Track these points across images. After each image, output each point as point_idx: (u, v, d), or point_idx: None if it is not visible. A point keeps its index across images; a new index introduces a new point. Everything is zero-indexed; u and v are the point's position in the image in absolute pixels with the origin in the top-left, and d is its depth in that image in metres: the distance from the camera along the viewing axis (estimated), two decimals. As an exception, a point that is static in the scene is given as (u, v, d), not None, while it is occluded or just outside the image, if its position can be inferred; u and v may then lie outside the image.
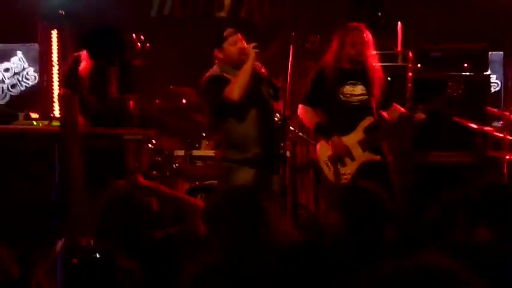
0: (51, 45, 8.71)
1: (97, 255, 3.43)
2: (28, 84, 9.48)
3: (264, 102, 6.12)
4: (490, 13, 8.71)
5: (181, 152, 7.68)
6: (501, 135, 7.18)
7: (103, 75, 6.51)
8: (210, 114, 6.24)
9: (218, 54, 6.06)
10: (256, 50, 5.92)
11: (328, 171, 6.44)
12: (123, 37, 6.74)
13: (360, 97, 6.49)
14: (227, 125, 6.03)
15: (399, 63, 7.78)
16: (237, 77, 5.91)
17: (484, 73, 7.74)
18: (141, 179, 5.71)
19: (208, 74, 6.09)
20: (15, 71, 9.47)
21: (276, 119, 6.30)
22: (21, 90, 9.48)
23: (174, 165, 7.60)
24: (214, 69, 6.09)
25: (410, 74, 7.70)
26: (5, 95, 9.49)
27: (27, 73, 9.47)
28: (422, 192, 7.15)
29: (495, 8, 8.72)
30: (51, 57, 8.75)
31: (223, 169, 6.09)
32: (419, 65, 7.74)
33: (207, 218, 3.69)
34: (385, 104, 6.58)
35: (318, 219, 6.74)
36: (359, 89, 6.49)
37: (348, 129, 6.45)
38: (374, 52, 6.60)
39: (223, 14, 9.36)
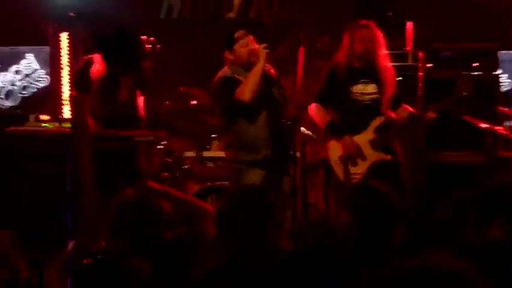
0: (62, 48, 8.73)
1: (107, 257, 3.44)
2: (39, 86, 9.51)
3: (274, 103, 6.12)
4: (500, 12, 8.69)
5: (191, 153, 7.68)
6: (512, 134, 7.16)
7: (116, 79, 6.51)
8: (221, 115, 6.24)
9: (229, 55, 6.07)
10: (267, 51, 5.93)
11: (339, 171, 6.44)
12: (138, 41, 6.74)
13: (372, 96, 6.48)
14: (237, 126, 6.03)
15: (410, 63, 7.76)
16: (248, 78, 5.91)
17: (494, 72, 7.72)
18: (151, 183, 5.74)
19: (219, 75, 6.10)
20: (26, 73, 9.50)
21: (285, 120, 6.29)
22: (32, 92, 9.51)
23: (185, 167, 7.60)
24: (225, 71, 6.10)
25: (421, 73, 7.68)
26: (16, 97, 9.53)
27: (38, 75, 9.50)
28: (432, 192, 7.14)
29: (505, 8, 8.70)
30: (62, 59, 8.77)
31: (233, 170, 6.10)
32: (429, 65, 7.73)
33: (218, 219, 3.69)
34: (395, 104, 6.56)
35: (328, 218, 6.74)
36: (371, 88, 6.48)
37: (360, 129, 6.45)
38: (385, 51, 6.59)
39: (232, 15, 9.36)
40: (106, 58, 6.50)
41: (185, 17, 9.42)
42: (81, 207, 5.21)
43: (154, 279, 3.40)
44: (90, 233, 4.85)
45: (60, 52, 8.65)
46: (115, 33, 6.49)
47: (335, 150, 6.47)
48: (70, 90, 8.52)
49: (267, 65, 6.04)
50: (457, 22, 8.84)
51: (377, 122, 6.44)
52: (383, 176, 5.86)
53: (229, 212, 3.66)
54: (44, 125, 6.28)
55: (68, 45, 8.61)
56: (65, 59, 8.65)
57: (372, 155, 6.40)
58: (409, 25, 8.01)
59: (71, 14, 8.60)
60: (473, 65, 7.58)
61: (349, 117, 6.44)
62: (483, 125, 7.13)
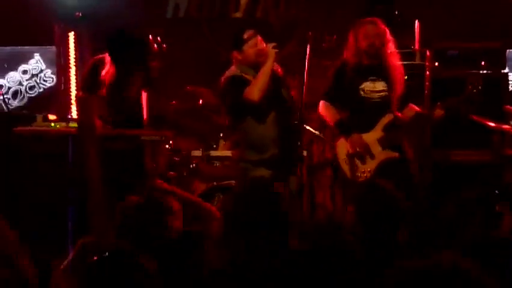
0: (69, 47, 8.74)
1: (114, 255, 3.44)
2: (46, 86, 9.53)
3: (282, 102, 6.13)
4: (508, 11, 8.67)
5: (198, 153, 7.68)
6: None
7: (125, 81, 6.50)
8: (228, 114, 6.24)
9: (237, 55, 6.07)
10: (276, 50, 5.94)
11: (347, 169, 6.43)
12: (146, 42, 6.73)
13: (381, 94, 6.47)
14: (245, 125, 6.04)
15: (417, 62, 7.76)
16: (257, 78, 5.92)
17: (502, 71, 7.71)
18: (159, 181, 5.75)
19: (226, 74, 6.10)
20: (33, 73, 9.52)
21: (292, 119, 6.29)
22: (39, 92, 9.53)
23: (191, 166, 7.61)
24: (233, 70, 6.10)
25: (428, 72, 7.67)
26: (23, 97, 9.55)
27: (44, 75, 9.51)
28: (439, 190, 7.13)
29: (509, 5, 8.69)
30: (69, 59, 8.78)
31: (240, 169, 6.11)
32: (436, 64, 7.72)
33: (227, 215, 3.68)
34: (402, 103, 6.55)
35: (335, 217, 6.75)
36: (380, 86, 6.47)
37: (368, 127, 6.44)
38: (394, 48, 6.57)
39: (239, 14, 9.36)
40: (114, 60, 6.49)
41: (192, 17, 9.42)
42: (89, 206, 5.20)
43: (160, 277, 3.40)
44: (97, 232, 4.85)
45: (67, 52, 8.67)
46: (122, 34, 6.48)
47: (343, 148, 6.46)
48: (76, 90, 8.53)
49: (275, 64, 6.04)
50: (463, 21, 8.83)
51: (386, 120, 6.43)
52: (391, 174, 5.85)
53: (238, 205, 3.65)
54: (51, 125, 6.28)
55: (75, 45, 8.63)
56: (72, 59, 8.67)
57: (381, 153, 6.40)
58: (417, 24, 8.00)
59: (78, 14, 8.62)
60: (482, 63, 7.57)
61: (358, 115, 6.44)
62: (490, 124, 7.11)
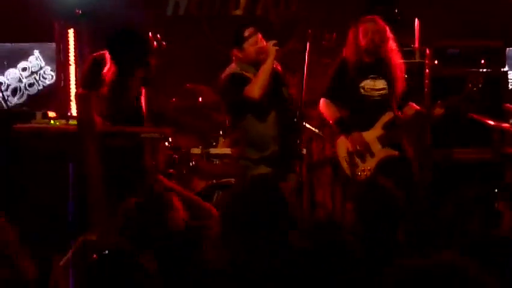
0: (68, 44, 8.73)
1: (114, 254, 3.45)
2: (45, 83, 9.52)
3: (282, 100, 6.13)
4: (508, 10, 8.67)
5: (197, 150, 7.68)
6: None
7: (126, 81, 6.49)
8: (228, 112, 6.24)
9: (237, 53, 6.07)
10: (277, 48, 5.93)
11: (347, 167, 6.43)
12: (147, 41, 6.72)
13: (381, 92, 6.46)
14: (245, 123, 6.04)
15: (417, 60, 7.76)
16: (258, 75, 5.92)
17: (501, 69, 7.71)
18: (160, 178, 5.75)
19: (227, 72, 6.10)
20: (33, 70, 9.51)
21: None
22: (39, 89, 9.53)
23: (191, 163, 7.60)
24: (233, 67, 6.09)
25: (428, 70, 7.67)
26: (23, 94, 9.54)
27: (44, 72, 9.51)
28: (439, 189, 7.13)
29: (508, 5, 8.69)
30: (68, 56, 8.77)
31: (240, 167, 6.11)
32: (436, 62, 7.72)
33: (228, 214, 3.67)
34: (403, 101, 6.54)
35: (335, 216, 6.75)
36: (381, 84, 6.47)
37: (368, 125, 6.43)
38: (395, 46, 6.56)
39: (239, 12, 9.36)
40: (115, 60, 6.47)
41: (192, 14, 9.42)
42: (89, 204, 5.20)
43: (160, 277, 3.40)
44: (98, 230, 4.85)
45: (67, 49, 8.66)
46: (122, 34, 6.46)
47: (343, 146, 6.46)
48: (76, 87, 8.52)
49: (275, 62, 6.04)
50: (463, 19, 8.82)
51: (386, 118, 6.43)
52: (391, 173, 5.85)
53: (240, 204, 3.65)
54: (51, 122, 6.28)
55: (74, 42, 8.62)
56: (72, 56, 8.66)
57: (381, 152, 6.40)
58: (417, 22, 8.00)
59: (78, 10, 8.61)
60: (481, 62, 7.57)
61: (358, 113, 6.44)
62: (490, 122, 7.12)
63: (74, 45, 8.66)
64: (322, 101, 6.59)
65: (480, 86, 6.35)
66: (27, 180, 6.04)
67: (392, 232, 3.70)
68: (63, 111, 7.64)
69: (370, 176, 6.26)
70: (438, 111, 6.38)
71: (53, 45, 9.15)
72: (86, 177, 5.45)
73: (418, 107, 6.54)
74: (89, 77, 6.54)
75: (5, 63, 9.52)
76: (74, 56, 8.68)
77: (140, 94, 6.47)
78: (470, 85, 6.37)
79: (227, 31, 6.35)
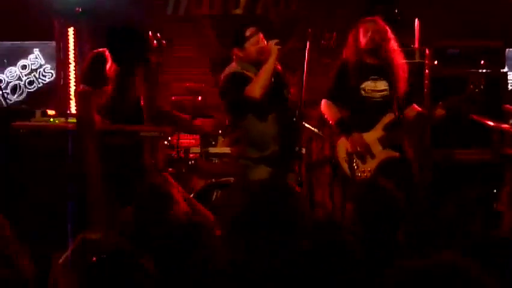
0: (68, 43, 8.73)
1: (114, 256, 3.44)
2: (45, 81, 9.52)
3: (283, 100, 6.13)
4: (508, 10, 8.68)
5: (197, 149, 7.69)
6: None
7: (127, 81, 6.48)
8: (229, 111, 6.22)
9: (238, 52, 6.06)
10: (279, 47, 5.93)
11: (347, 168, 6.42)
12: (146, 39, 6.71)
13: (382, 93, 6.45)
14: (246, 122, 6.03)
15: (417, 60, 7.75)
16: (259, 75, 5.91)
17: (501, 70, 7.71)
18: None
19: (227, 71, 6.09)
20: (32, 68, 9.51)
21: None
22: (38, 87, 9.53)
23: (190, 162, 7.61)
24: (234, 67, 6.08)
25: (427, 70, 7.67)
26: (22, 92, 9.54)
27: (44, 70, 9.51)
28: (439, 190, 7.14)
29: (508, 5, 8.69)
30: (68, 54, 8.77)
31: (240, 166, 6.10)
32: (435, 62, 7.71)
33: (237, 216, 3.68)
34: (405, 102, 6.52)
35: (334, 216, 6.75)
36: (382, 85, 6.45)
37: (369, 126, 6.42)
38: (397, 47, 6.55)
39: (239, 11, 9.36)
40: (114, 57, 6.46)
41: (192, 13, 9.42)
42: (88, 202, 5.20)
43: (160, 277, 3.40)
44: (97, 228, 4.85)
45: (67, 47, 8.66)
46: (121, 32, 6.45)
47: (343, 147, 6.45)
48: (75, 85, 8.52)
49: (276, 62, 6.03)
50: (463, 20, 8.83)
51: (387, 119, 6.41)
52: (392, 174, 5.84)
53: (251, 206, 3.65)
54: (51, 120, 6.28)
55: (74, 40, 8.62)
56: (71, 54, 8.66)
57: (381, 153, 6.38)
58: (417, 22, 8.00)
59: (78, 9, 8.61)
60: (480, 62, 7.57)
61: (359, 114, 6.42)
62: (490, 123, 7.11)
63: (74, 43, 8.66)
64: (323, 101, 6.58)
65: (482, 87, 6.34)
66: (27, 178, 6.04)
67: (392, 233, 3.70)
68: (62, 110, 7.63)
69: (370, 177, 6.24)
70: (440, 112, 6.36)
71: (53, 43, 9.15)
72: (86, 175, 5.45)
73: (420, 109, 6.51)
74: (89, 74, 6.53)
75: (5, 61, 9.52)
76: (74, 54, 8.68)
77: (140, 93, 6.47)
78: (471, 86, 6.36)
79: (233, 31, 6.32)
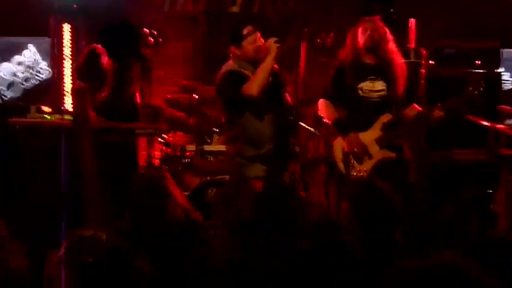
0: (64, 39, 8.70)
1: (109, 250, 3.43)
2: (40, 77, 9.49)
3: (280, 99, 6.13)
4: (504, 10, 8.69)
5: (192, 147, 7.67)
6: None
7: (124, 78, 6.48)
8: (225, 109, 6.22)
9: (235, 50, 6.05)
10: (278, 45, 5.93)
11: (343, 168, 6.42)
12: (141, 34, 6.70)
13: (380, 93, 6.44)
14: (243, 120, 6.02)
15: (412, 60, 7.75)
16: (257, 73, 5.91)
17: (497, 70, 7.72)
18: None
19: (224, 69, 6.08)
20: (28, 65, 9.48)
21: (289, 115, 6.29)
22: (34, 84, 9.49)
23: (185, 160, 7.60)
24: (231, 65, 6.08)
25: (424, 71, 7.67)
26: (17, 88, 9.51)
27: (39, 67, 9.48)
28: (436, 191, 7.14)
29: (507, 5, 8.70)
30: (63, 50, 8.74)
31: (236, 164, 6.10)
32: (431, 62, 7.71)
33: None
34: (405, 102, 6.51)
35: (329, 215, 6.75)
36: (379, 85, 6.44)
37: (366, 126, 6.41)
38: (395, 47, 6.55)
39: (235, 9, 9.35)
40: (109, 53, 6.45)
41: (188, 10, 9.40)
42: (83, 199, 5.20)
43: (156, 275, 3.39)
44: (91, 225, 4.84)
45: (62, 44, 8.63)
46: (115, 27, 6.45)
47: (340, 147, 6.44)
48: (71, 82, 8.50)
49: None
50: (460, 19, 8.83)
51: (384, 119, 6.40)
52: (388, 174, 5.83)
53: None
54: (46, 116, 6.27)
55: (70, 36, 8.59)
56: (67, 51, 8.63)
57: (378, 153, 6.37)
58: (412, 22, 8.00)
59: (74, 5, 8.58)
60: (476, 63, 7.58)
61: (356, 114, 6.41)
62: (485, 123, 7.12)
63: (70, 40, 8.63)
64: (321, 101, 6.57)
65: (481, 89, 6.34)
66: (21, 174, 6.03)
67: (388, 233, 3.70)
68: (58, 106, 7.61)
69: (366, 177, 6.24)
70: (438, 113, 6.35)
71: (49, 39, 9.12)
72: (81, 172, 5.44)
73: (420, 109, 6.49)
74: (86, 70, 6.53)
75: (0, 57, 9.49)
76: (70, 51, 8.65)
77: (136, 89, 6.47)
78: (471, 88, 6.36)
79: (230, 29, 6.31)
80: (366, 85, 6.42)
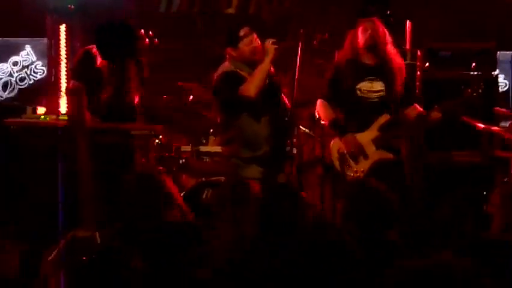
0: (60, 40, 8.71)
1: (103, 251, 3.44)
2: (36, 78, 9.50)
3: (277, 101, 6.13)
4: (500, 12, 8.70)
5: (188, 148, 7.67)
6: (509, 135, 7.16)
7: (123, 75, 6.47)
8: (222, 111, 6.21)
9: (231, 52, 6.05)
10: (276, 46, 5.93)
11: (340, 168, 6.42)
12: (136, 37, 6.69)
13: (378, 94, 6.44)
14: (241, 122, 6.02)
15: (408, 62, 7.75)
16: (254, 74, 5.91)
17: (492, 73, 7.73)
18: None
19: (220, 70, 6.08)
20: (24, 65, 9.49)
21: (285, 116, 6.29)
22: (29, 84, 9.50)
23: (181, 161, 7.60)
24: (227, 66, 6.08)
25: (419, 72, 7.68)
26: (13, 89, 9.51)
27: (35, 67, 9.48)
28: (432, 191, 7.14)
29: (502, 8, 8.72)
30: (60, 51, 8.75)
31: (232, 165, 6.10)
32: (427, 64, 7.73)
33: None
34: (406, 102, 6.51)
35: (325, 216, 6.75)
36: (378, 86, 6.43)
37: (364, 126, 6.40)
38: (394, 48, 6.55)
39: (231, 10, 9.35)
40: (102, 52, 6.45)
41: (184, 11, 9.40)
42: (78, 200, 5.19)
43: (150, 274, 3.40)
44: (87, 226, 4.84)
45: (58, 44, 8.64)
46: (114, 30, 6.43)
47: (337, 147, 6.44)
48: (67, 82, 8.50)
49: None
50: (455, 22, 8.85)
51: (382, 120, 6.40)
52: (385, 175, 5.83)
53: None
54: (41, 117, 6.27)
55: (66, 37, 8.60)
56: (63, 51, 8.64)
57: (375, 153, 6.37)
58: (408, 24, 8.01)
59: (70, 6, 8.59)
60: (472, 65, 7.58)
61: (354, 114, 6.41)
62: (480, 125, 7.12)
63: (66, 40, 8.64)
64: (319, 101, 6.57)
65: (480, 91, 6.35)
66: (20, 176, 6.03)
67: (385, 233, 3.70)
68: (54, 107, 7.62)
69: (362, 178, 6.23)
70: (436, 115, 6.35)
71: (45, 40, 9.13)
72: (76, 173, 5.44)
73: (421, 109, 6.47)
74: (80, 70, 6.52)
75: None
76: (66, 51, 8.66)
77: (132, 91, 6.46)
78: (469, 90, 6.37)
79: (226, 31, 6.31)
80: (364, 85, 6.42)
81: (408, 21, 8.01)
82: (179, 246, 3.57)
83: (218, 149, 7.42)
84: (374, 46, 6.39)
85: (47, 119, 6.28)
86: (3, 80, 9.52)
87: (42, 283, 3.96)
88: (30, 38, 9.47)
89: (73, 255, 3.91)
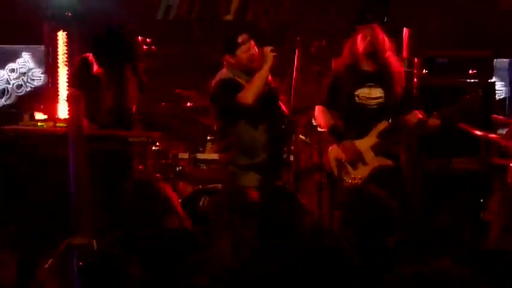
0: (57, 47, 8.70)
1: (100, 257, 3.44)
2: (33, 85, 9.50)
3: (275, 108, 6.13)
4: (496, 20, 8.72)
5: (185, 155, 7.67)
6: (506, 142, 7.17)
7: (121, 82, 6.47)
8: (219, 118, 6.21)
9: (229, 59, 6.06)
10: (274, 54, 5.93)
11: (338, 175, 6.41)
12: (134, 44, 6.69)
13: (377, 100, 6.43)
14: (238, 129, 6.02)
15: (405, 69, 7.76)
16: (252, 81, 5.92)
17: (489, 80, 7.74)
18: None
19: (218, 77, 6.08)
20: (21, 72, 9.49)
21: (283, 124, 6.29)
22: (27, 91, 9.51)
23: (178, 168, 7.59)
24: (225, 73, 6.08)
25: (416, 80, 7.68)
26: (11, 95, 9.51)
27: (32, 74, 9.49)
28: (430, 199, 7.14)
29: (500, 15, 8.74)
30: (57, 58, 8.74)
31: (229, 173, 6.10)
32: (424, 71, 7.73)
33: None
34: (405, 109, 6.50)
35: (323, 223, 6.75)
36: (377, 92, 6.43)
37: (363, 133, 6.39)
38: (394, 55, 6.55)
39: (229, 17, 9.37)
40: (99, 58, 6.45)
41: (182, 18, 9.41)
42: (76, 207, 5.19)
43: (147, 282, 3.39)
44: (84, 233, 4.84)
45: (56, 51, 8.63)
46: (111, 36, 6.43)
47: (335, 154, 6.43)
48: (67, 90, 8.50)
49: None
50: (453, 30, 8.86)
51: (381, 126, 6.39)
52: (384, 182, 5.82)
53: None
54: (39, 124, 6.26)
55: (64, 44, 8.59)
56: (61, 58, 8.63)
57: (374, 160, 6.35)
58: (405, 31, 8.02)
59: (68, 13, 8.59)
60: (469, 72, 7.59)
61: (353, 121, 6.40)
62: (477, 133, 7.13)
63: (64, 47, 8.63)
64: (317, 108, 6.57)
65: (479, 98, 6.36)
66: (18, 182, 6.02)
67: (384, 240, 3.70)
68: (51, 114, 7.61)
69: (361, 185, 6.22)
70: (434, 122, 6.35)
71: (42, 47, 9.14)
72: (74, 179, 5.43)
73: (421, 116, 6.47)
74: (77, 78, 6.53)
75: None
76: (64, 58, 8.65)
77: (130, 98, 6.46)
78: (468, 96, 6.37)
79: (224, 38, 6.31)
80: (363, 92, 6.41)
81: (405, 29, 8.03)
82: (177, 253, 3.57)
83: (215, 156, 7.42)
84: (374, 53, 6.39)
85: (45, 126, 6.28)
86: (0, 87, 9.52)
87: (38, 290, 3.95)
88: (27, 45, 9.48)
89: (70, 263, 3.90)
